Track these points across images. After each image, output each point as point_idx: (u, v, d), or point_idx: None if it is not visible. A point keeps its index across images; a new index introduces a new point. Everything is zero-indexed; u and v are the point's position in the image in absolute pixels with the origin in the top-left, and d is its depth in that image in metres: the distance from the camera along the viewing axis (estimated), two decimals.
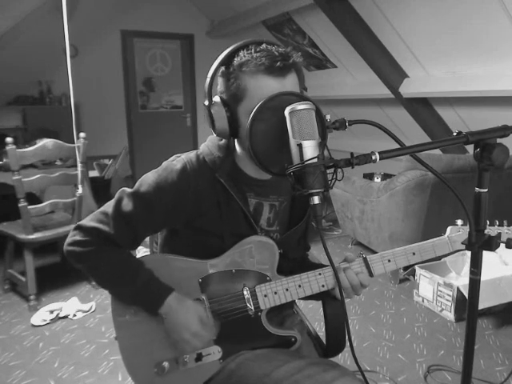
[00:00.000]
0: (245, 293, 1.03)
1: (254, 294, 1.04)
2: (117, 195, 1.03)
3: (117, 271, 1.01)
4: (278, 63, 0.90)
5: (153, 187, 1.00)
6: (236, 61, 0.94)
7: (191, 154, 1.05)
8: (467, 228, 1.03)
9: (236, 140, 1.03)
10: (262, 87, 0.92)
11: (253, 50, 0.93)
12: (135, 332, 1.05)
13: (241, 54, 0.94)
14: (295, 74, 0.96)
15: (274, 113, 0.87)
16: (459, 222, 1.08)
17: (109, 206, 1.02)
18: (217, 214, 1.02)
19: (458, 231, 1.08)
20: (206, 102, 0.99)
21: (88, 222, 1.02)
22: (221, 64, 0.97)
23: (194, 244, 1.06)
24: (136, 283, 1.00)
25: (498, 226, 1.06)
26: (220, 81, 0.98)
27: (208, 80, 0.98)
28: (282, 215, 1.12)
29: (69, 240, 1.02)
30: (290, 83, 0.93)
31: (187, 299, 1.01)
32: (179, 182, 1.00)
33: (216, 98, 0.98)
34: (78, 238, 1.00)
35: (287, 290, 1.04)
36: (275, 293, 1.04)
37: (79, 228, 1.02)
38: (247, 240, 1.04)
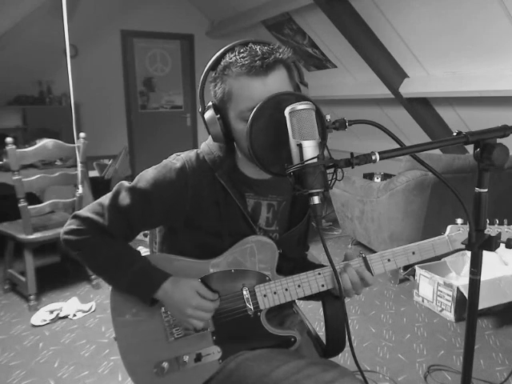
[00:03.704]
0: (244, 293, 1.03)
1: (253, 294, 1.03)
2: (115, 188, 1.04)
3: (113, 258, 1.03)
4: (257, 62, 0.90)
5: (151, 183, 1.00)
6: (221, 65, 0.95)
7: (191, 153, 1.05)
8: (467, 227, 1.04)
9: (234, 142, 1.03)
10: (245, 88, 0.92)
11: (237, 52, 0.93)
12: (135, 332, 1.05)
13: (226, 57, 0.94)
14: (283, 71, 0.94)
15: (273, 113, 0.86)
16: (459, 220, 1.07)
17: (106, 198, 1.04)
18: (216, 213, 1.03)
19: (457, 230, 1.07)
20: (200, 109, 1.00)
21: (84, 211, 1.04)
22: (210, 69, 0.98)
23: (193, 243, 1.06)
24: (132, 270, 1.01)
25: (498, 224, 1.06)
26: (211, 86, 0.99)
27: (199, 86, 0.99)
28: (282, 215, 1.12)
29: (65, 228, 1.04)
30: (274, 81, 0.92)
31: (182, 278, 1.01)
32: (177, 181, 1.00)
33: (209, 104, 0.99)
34: (73, 226, 1.02)
35: (286, 289, 1.04)
36: (274, 293, 1.04)
37: (75, 217, 1.04)
38: (246, 240, 1.04)
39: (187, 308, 0.98)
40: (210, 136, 1.02)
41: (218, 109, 0.97)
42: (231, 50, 0.95)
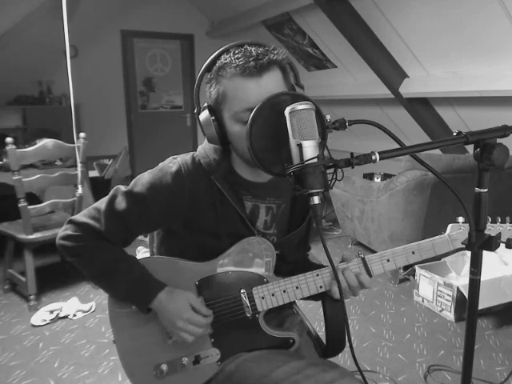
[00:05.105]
0: (242, 295, 1.03)
1: (251, 296, 1.03)
2: (111, 192, 1.03)
3: (109, 266, 1.02)
4: (251, 63, 0.90)
5: (147, 187, 1.00)
6: (215, 66, 0.95)
7: (187, 157, 1.04)
8: (468, 226, 1.03)
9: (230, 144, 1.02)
10: (239, 89, 0.91)
11: (231, 53, 0.93)
12: (133, 335, 1.05)
13: (221, 58, 0.94)
14: (278, 72, 0.94)
15: (273, 113, 0.86)
16: (460, 219, 1.06)
17: (102, 203, 1.03)
18: (213, 215, 1.02)
19: (458, 229, 1.06)
20: (196, 110, 1.00)
21: (80, 216, 1.03)
22: (205, 70, 0.97)
23: (191, 245, 1.06)
24: (128, 278, 1.00)
25: (500, 223, 1.05)
26: (206, 87, 0.99)
27: (195, 87, 0.98)
28: (281, 218, 1.11)
29: (61, 234, 1.03)
30: (268, 82, 0.91)
31: (178, 290, 1.01)
32: (173, 185, 0.99)
33: (204, 105, 0.99)
34: (69, 232, 1.01)
35: (285, 291, 1.04)
36: (272, 294, 1.03)
37: (71, 222, 1.03)
38: (244, 241, 1.04)
39: (178, 320, 0.98)
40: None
41: (212, 110, 0.97)
42: (226, 51, 0.95)
